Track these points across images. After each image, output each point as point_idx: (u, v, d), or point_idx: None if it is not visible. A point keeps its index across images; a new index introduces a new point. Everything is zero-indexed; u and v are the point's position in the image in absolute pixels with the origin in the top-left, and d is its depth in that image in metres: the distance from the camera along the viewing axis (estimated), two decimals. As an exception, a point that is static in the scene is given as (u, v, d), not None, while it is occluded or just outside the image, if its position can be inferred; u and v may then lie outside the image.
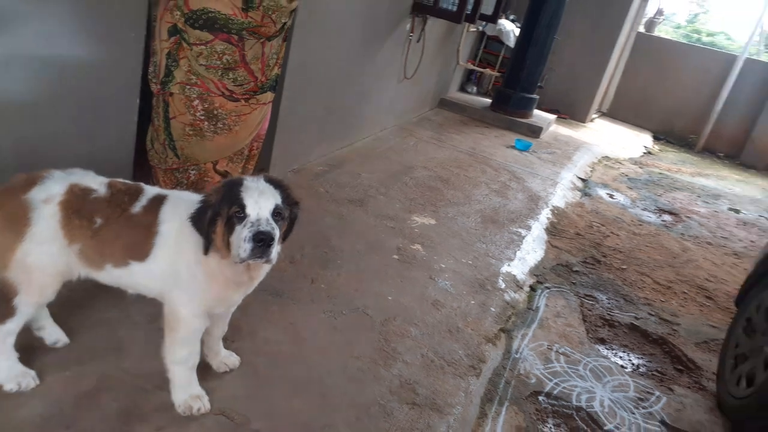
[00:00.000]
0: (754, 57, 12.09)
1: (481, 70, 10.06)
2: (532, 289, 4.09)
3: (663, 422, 3.01)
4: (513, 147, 7.67)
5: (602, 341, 3.68)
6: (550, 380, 3.11)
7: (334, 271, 3.50)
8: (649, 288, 4.60)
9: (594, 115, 11.71)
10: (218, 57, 2.96)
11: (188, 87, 3.00)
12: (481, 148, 7.31)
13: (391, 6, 6.01)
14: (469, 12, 7.10)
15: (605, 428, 2.86)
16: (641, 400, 3.16)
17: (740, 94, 11.28)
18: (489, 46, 10.28)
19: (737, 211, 7.46)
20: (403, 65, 6.79)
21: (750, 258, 5.71)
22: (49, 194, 2.00)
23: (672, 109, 11.89)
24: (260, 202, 1.92)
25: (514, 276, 4.12)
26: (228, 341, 2.51)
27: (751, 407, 2.99)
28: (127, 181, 2.20)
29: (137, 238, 2.07)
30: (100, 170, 2.20)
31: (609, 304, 4.17)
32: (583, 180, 7.19)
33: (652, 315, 4.14)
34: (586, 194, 6.71)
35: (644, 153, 9.96)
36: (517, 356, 3.25)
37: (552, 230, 5.25)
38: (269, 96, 3.30)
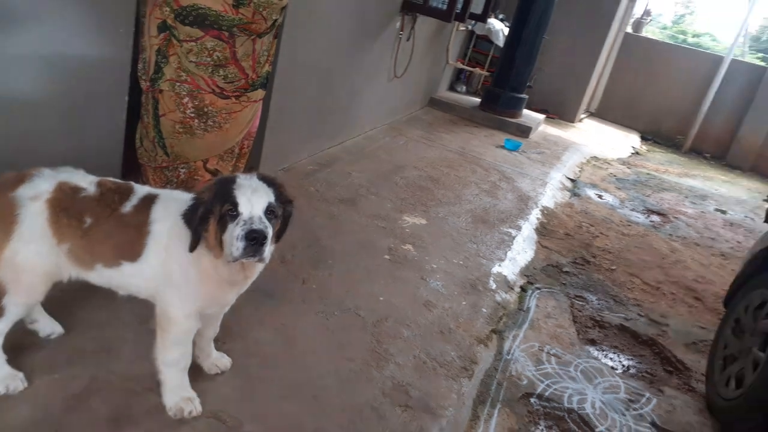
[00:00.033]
0: (740, 58, 12.21)
1: (471, 69, 10.06)
2: (523, 289, 4.09)
3: (653, 424, 3.02)
4: (502, 147, 7.68)
5: (593, 342, 3.68)
6: (542, 382, 3.11)
7: (325, 271, 3.48)
8: (638, 289, 4.62)
9: (582, 115, 11.77)
10: (209, 54, 2.92)
11: (178, 84, 2.96)
12: (471, 147, 7.31)
13: (381, 4, 5.98)
14: (458, 11, 7.10)
15: (596, 430, 2.86)
16: (632, 401, 3.17)
17: (726, 95, 11.39)
18: (478, 45, 10.29)
19: (724, 212, 7.53)
20: (393, 64, 6.77)
21: (737, 259, 5.76)
22: (37, 192, 1.97)
23: (659, 109, 11.98)
24: (253, 200, 1.90)
25: (505, 276, 4.12)
26: (219, 343, 2.48)
27: (741, 408, 3.00)
28: (117, 180, 2.16)
29: (128, 238, 2.03)
30: (88, 168, 2.16)
31: (599, 304, 4.18)
32: (572, 180, 7.22)
33: (642, 316, 4.16)
34: (575, 194, 6.73)
35: (632, 153, 10.02)
36: (508, 357, 3.24)
37: (542, 230, 5.26)
38: (260, 93, 3.26)
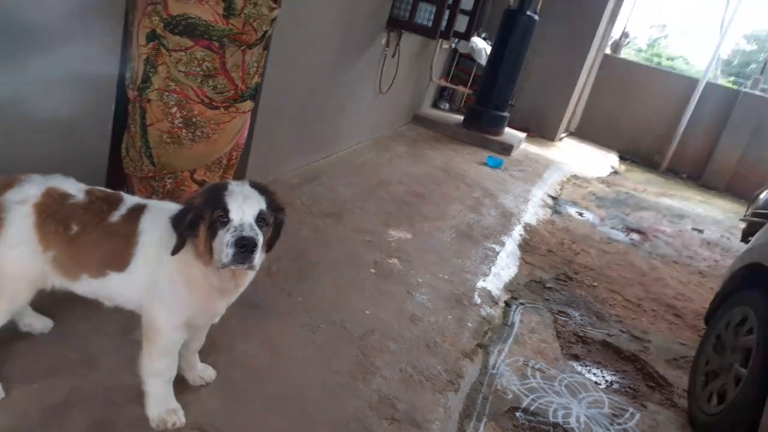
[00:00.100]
0: (715, 81, 12.52)
1: (454, 87, 10.16)
2: (507, 304, 4.11)
3: (637, 438, 3.04)
4: (485, 164, 7.75)
5: (576, 358, 3.70)
6: (527, 396, 3.11)
7: (311, 284, 3.46)
8: (620, 305, 4.66)
9: (563, 134, 11.93)
10: (198, 64, 2.92)
11: (166, 93, 2.94)
12: (455, 164, 7.36)
13: (368, 20, 6.03)
14: (443, 29, 7.18)
15: (582, 444, 2.87)
16: (616, 416, 3.18)
17: (702, 117, 11.66)
18: (461, 63, 10.40)
19: (701, 231, 7.66)
20: (378, 80, 6.81)
21: (715, 277, 5.86)
22: (25, 196, 1.95)
23: (637, 129, 12.21)
24: (244, 207, 1.89)
25: (490, 291, 4.13)
26: (204, 354, 2.44)
27: (723, 423, 3.04)
28: (107, 189, 2.15)
29: (116, 248, 2.01)
30: (72, 177, 2.14)
31: (582, 320, 4.21)
32: (553, 198, 7.29)
33: (624, 332, 4.19)
34: (556, 212, 6.80)
35: (611, 172, 10.17)
36: (494, 372, 3.24)
37: (525, 247, 5.30)
38: (249, 105, 3.26)
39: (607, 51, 12.92)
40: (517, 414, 2.96)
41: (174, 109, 2.97)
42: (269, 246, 2.08)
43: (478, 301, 3.93)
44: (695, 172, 11.72)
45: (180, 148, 3.05)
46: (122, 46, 3.05)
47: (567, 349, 3.75)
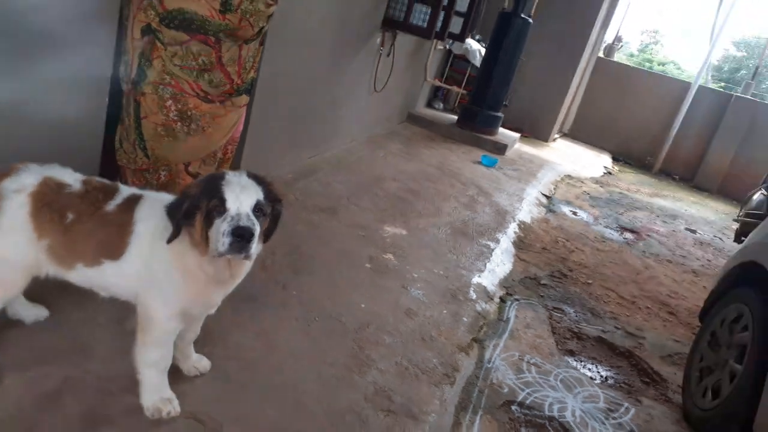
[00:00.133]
0: (707, 85, 12.60)
1: (448, 87, 10.18)
2: (502, 300, 4.10)
3: (633, 432, 3.04)
4: (480, 163, 7.76)
5: (571, 353, 3.70)
6: (523, 390, 3.11)
7: (306, 277, 3.44)
8: (614, 302, 4.67)
9: (556, 135, 11.97)
10: (194, 58, 2.89)
11: (161, 87, 2.92)
12: (449, 162, 7.36)
13: (363, 20, 6.03)
14: (438, 30, 7.19)
15: (578, 438, 2.87)
16: (611, 410, 3.18)
17: (694, 120, 11.74)
18: (455, 64, 10.42)
19: (694, 231, 7.69)
20: (373, 78, 6.82)
21: (708, 276, 5.89)
22: (21, 185, 1.95)
23: (630, 131, 12.27)
24: (241, 197, 1.88)
25: (485, 287, 4.13)
26: (199, 345, 2.42)
27: (717, 419, 3.05)
28: (104, 180, 2.15)
29: (111, 237, 2.00)
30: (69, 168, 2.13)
31: (576, 317, 4.21)
32: (547, 197, 7.31)
33: (618, 328, 4.20)
34: (550, 210, 6.81)
35: (604, 173, 10.21)
36: (489, 366, 3.24)
37: (519, 244, 5.30)
38: (244, 99, 3.24)
39: (601, 54, 12.98)
40: (513, 407, 2.95)
41: (169, 102, 2.94)
42: (266, 237, 2.07)
43: (473, 296, 3.93)
44: (687, 174, 11.79)
45: (175, 141, 3.03)
46: (117, 40, 3.04)
47: (562, 345, 3.75)
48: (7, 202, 1.91)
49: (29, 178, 1.97)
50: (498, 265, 4.63)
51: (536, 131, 11.25)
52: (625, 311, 4.55)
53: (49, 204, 1.96)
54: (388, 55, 6.98)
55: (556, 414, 2.99)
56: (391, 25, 6.68)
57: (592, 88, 12.61)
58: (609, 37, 13.62)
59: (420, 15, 6.93)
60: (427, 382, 2.83)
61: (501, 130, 9.41)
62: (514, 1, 8.80)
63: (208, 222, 1.88)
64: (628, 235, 6.71)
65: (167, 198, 2.06)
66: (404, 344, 3.09)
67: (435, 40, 8.32)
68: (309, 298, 3.23)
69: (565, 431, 2.89)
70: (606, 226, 6.81)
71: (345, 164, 5.96)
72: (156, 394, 2.08)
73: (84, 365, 2.21)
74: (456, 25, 8.20)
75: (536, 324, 3.90)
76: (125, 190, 2.13)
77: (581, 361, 3.64)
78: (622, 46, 14.87)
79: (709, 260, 6.58)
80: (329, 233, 4.19)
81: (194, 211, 1.90)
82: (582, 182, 8.85)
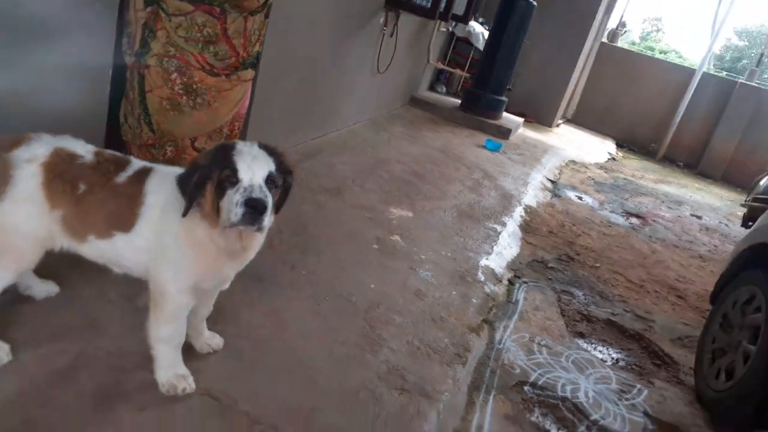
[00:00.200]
0: (711, 72, 12.51)
1: (451, 70, 10.08)
2: (510, 282, 4.05)
3: (646, 414, 3.00)
4: (483, 147, 7.68)
5: (581, 335, 3.66)
6: (534, 371, 3.06)
7: (314, 257, 3.39)
8: (623, 286, 4.62)
9: (559, 121, 11.89)
10: (199, 29, 2.82)
11: (166, 59, 2.84)
12: (453, 146, 7.29)
13: (366, -2, 5.94)
14: (442, 10, 7.09)
15: (591, 418, 2.82)
16: (623, 392, 3.14)
17: (698, 106, 11.65)
18: (458, 47, 10.31)
19: (699, 217, 7.65)
20: (376, 59, 6.72)
21: (715, 261, 5.85)
22: (33, 154, 1.91)
23: (633, 117, 12.19)
24: (253, 167, 1.82)
25: (493, 269, 4.07)
26: (210, 323, 2.36)
27: (731, 399, 3.02)
28: (115, 152, 2.11)
29: (122, 208, 1.96)
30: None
31: (585, 299, 4.17)
32: (552, 181, 7.25)
33: (627, 312, 4.16)
34: (556, 195, 6.75)
35: (609, 159, 10.15)
36: (500, 347, 3.19)
37: (526, 228, 5.25)
38: (250, 73, 3.16)
39: (604, 40, 12.87)
40: (525, 388, 2.91)
41: (174, 75, 2.87)
42: (277, 208, 2.02)
43: (482, 278, 3.87)
44: (692, 161, 11.73)
45: (180, 115, 2.96)
46: (119, 12, 2.96)
47: (572, 327, 3.71)
48: (18, 171, 1.88)
49: (41, 148, 1.94)
50: (505, 248, 4.57)
51: (540, 116, 11.16)
52: (634, 294, 4.51)
53: (60, 174, 1.92)
54: (391, 35, 6.87)
55: (569, 395, 2.95)
56: (395, 4, 6.57)
57: (595, 74, 12.51)
58: (612, 23, 13.50)
59: (424, -5, 6.85)
60: (439, 361, 2.79)
61: (504, 114, 9.33)
62: (519, -17, 8.68)
63: (220, 192, 1.83)
64: (634, 220, 6.66)
65: (178, 171, 2.01)
66: (415, 324, 3.04)
67: (438, 21, 8.23)
68: (318, 278, 3.17)
69: (579, 412, 2.85)
70: (612, 211, 6.76)
71: (349, 146, 5.89)
72: (171, 370, 2.04)
73: (96, 341, 2.17)
74: (459, 6, 8.09)
75: (545, 306, 3.85)
76: (137, 163, 2.09)
77: (592, 343, 3.59)
78: (626, 31, 14.76)
79: (716, 246, 6.53)
80: (335, 214, 4.13)
81: (205, 181, 1.85)
82: (586, 168, 8.79)
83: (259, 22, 3.09)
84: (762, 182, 5.89)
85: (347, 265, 3.43)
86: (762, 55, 13.82)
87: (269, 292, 2.89)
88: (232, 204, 1.78)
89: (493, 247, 4.46)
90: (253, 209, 1.78)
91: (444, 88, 10.40)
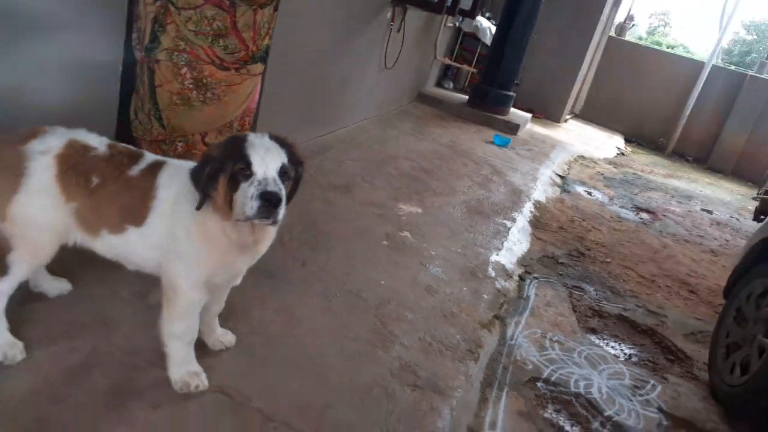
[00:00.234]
0: (720, 65, 12.39)
1: (459, 65, 10.03)
2: (521, 278, 4.03)
3: (660, 409, 2.97)
4: (492, 142, 7.64)
5: (593, 331, 3.63)
6: (547, 367, 3.04)
7: (324, 254, 3.37)
8: (634, 281, 4.59)
9: (567, 116, 11.81)
10: (208, 23, 2.80)
11: (176, 54, 2.83)
12: (461, 142, 7.26)
13: (373, -7, 5.91)
14: (449, 5, 7.05)
15: (605, 414, 2.80)
16: (637, 387, 3.12)
17: (708, 100, 11.53)
18: (465, 42, 10.25)
19: (710, 212, 7.58)
20: (383, 54, 6.69)
21: (726, 256, 5.79)
22: (47, 147, 1.93)
23: (642, 112, 12.08)
24: (267, 159, 1.82)
25: (503, 265, 4.05)
26: (221, 320, 2.36)
27: (747, 394, 2.98)
28: (129, 146, 2.12)
29: (134, 202, 1.96)
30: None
31: (597, 295, 4.14)
32: (561, 177, 7.20)
33: (639, 307, 4.12)
34: (565, 190, 6.71)
35: (618, 154, 10.08)
36: (512, 343, 3.17)
37: (536, 223, 5.22)
38: (260, 67, 3.15)
39: (612, 33, 12.77)
40: (538, 384, 2.89)
41: (184, 70, 2.86)
42: (288, 199, 2.01)
43: (493, 274, 3.85)
44: (701, 155, 11.62)
45: (190, 110, 2.95)
46: (128, 6, 2.95)
47: (584, 323, 3.68)
48: (33, 163, 1.89)
49: (55, 140, 1.95)
50: (515, 243, 4.55)
51: (548, 111, 11.08)
52: (645, 290, 4.47)
53: (74, 166, 1.93)
54: (399, 30, 6.84)
55: (582, 390, 2.93)
56: (402, -1, 6.54)
57: (603, 68, 12.41)
58: (620, 17, 13.39)
59: (430, -11, 6.80)
60: (451, 357, 2.77)
61: (512, 109, 9.27)
62: (526, -23, 8.62)
63: (233, 185, 1.82)
64: (644, 215, 6.61)
65: (189, 165, 2.01)
66: (426, 320, 3.02)
67: (445, 17, 8.18)
68: (328, 275, 3.16)
69: (593, 408, 2.83)
70: (621, 206, 6.71)
71: (357, 142, 5.87)
72: (183, 367, 2.04)
73: (109, 339, 2.18)
74: (466, 1, 8.05)
75: (557, 302, 3.83)
76: (149, 157, 2.10)
77: (604, 339, 3.57)
78: (633, 25, 14.63)
79: (727, 240, 6.47)
80: (345, 211, 4.11)
81: (217, 174, 1.84)
82: (595, 163, 8.73)
83: (269, 15, 3.08)
84: (774, 176, 5.85)
85: (357, 262, 3.41)
86: (772, 48, 13.65)
87: (280, 288, 2.88)
88: (247, 197, 1.77)
89: (503, 242, 4.43)
90: (268, 202, 1.77)
91: (451, 84, 10.35)
